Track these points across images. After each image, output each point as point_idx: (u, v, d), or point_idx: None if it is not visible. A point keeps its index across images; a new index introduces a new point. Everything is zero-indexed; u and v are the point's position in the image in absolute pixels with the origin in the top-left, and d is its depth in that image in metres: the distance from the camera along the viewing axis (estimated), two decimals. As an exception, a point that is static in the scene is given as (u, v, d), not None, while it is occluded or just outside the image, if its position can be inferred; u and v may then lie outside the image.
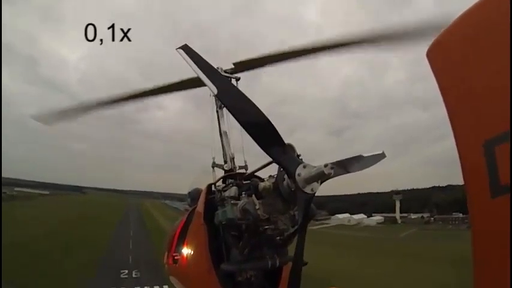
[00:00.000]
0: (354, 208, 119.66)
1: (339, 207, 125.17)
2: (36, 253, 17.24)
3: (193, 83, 4.18)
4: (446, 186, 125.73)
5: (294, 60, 4.07)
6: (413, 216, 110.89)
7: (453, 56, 1.20)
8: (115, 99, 4.53)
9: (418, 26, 2.70)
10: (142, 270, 14.77)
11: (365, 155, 2.44)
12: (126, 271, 14.82)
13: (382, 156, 2.53)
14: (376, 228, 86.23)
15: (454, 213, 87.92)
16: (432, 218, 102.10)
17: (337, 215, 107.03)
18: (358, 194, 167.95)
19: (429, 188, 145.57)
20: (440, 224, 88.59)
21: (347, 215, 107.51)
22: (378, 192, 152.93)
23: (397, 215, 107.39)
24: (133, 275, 14.33)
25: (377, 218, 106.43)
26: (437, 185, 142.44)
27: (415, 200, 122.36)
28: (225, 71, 4.13)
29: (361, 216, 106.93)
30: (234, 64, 4.11)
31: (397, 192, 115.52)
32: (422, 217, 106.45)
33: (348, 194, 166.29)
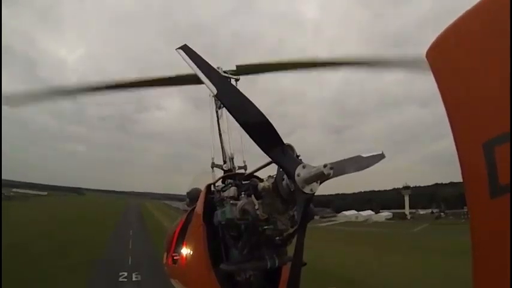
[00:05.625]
0: (358, 205, 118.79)
1: (344, 204, 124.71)
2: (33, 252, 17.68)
3: (190, 80, 4.17)
4: (448, 183, 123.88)
5: (293, 71, 4.54)
6: (421, 211, 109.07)
7: (453, 56, 1.19)
8: (103, 86, 4.26)
9: (416, 57, 2.70)
10: (142, 271, 14.65)
11: (364, 155, 2.38)
12: (125, 273, 14.67)
13: (381, 156, 2.47)
14: (387, 224, 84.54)
15: (465, 207, 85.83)
16: (442, 213, 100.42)
17: (343, 212, 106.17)
18: (361, 192, 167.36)
19: (432, 185, 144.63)
20: (452, 218, 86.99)
21: (354, 211, 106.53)
22: (380, 190, 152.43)
23: (407, 210, 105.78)
24: (133, 278, 14.14)
25: (385, 214, 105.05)
26: (439, 182, 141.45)
27: (420, 196, 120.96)
28: (225, 72, 4.11)
29: (369, 212, 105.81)
30: (237, 66, 4.28)
31: (406, 187, 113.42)
32: (432, 212, 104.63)
33: (351, 192, 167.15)
